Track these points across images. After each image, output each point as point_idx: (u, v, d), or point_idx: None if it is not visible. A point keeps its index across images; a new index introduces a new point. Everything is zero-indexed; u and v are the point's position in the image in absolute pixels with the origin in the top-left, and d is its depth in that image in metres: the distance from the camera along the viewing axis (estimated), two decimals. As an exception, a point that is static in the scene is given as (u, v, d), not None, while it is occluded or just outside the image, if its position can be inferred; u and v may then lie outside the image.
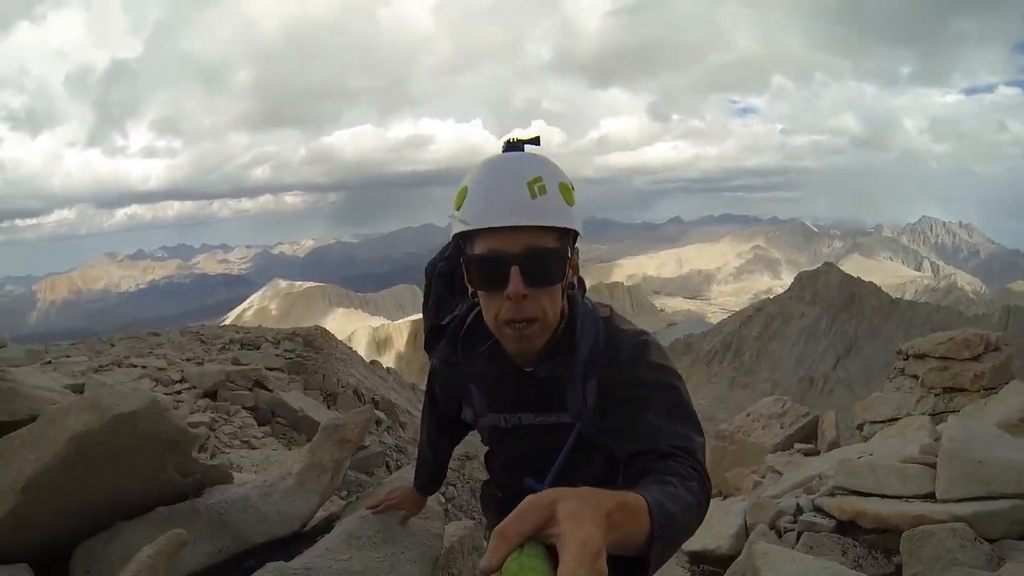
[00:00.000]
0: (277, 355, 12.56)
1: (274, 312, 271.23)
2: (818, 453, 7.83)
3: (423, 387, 1.44)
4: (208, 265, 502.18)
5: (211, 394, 8.74)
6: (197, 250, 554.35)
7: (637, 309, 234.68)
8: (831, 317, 68.20)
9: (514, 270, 1.02)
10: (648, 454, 1.01)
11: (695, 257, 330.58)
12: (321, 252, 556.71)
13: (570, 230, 1.09)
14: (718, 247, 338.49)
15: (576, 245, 1.15)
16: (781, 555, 2.19)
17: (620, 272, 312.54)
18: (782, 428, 9.23)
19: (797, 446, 8.29)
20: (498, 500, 1.59)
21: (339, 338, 19.39)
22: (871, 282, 72.85)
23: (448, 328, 1.34)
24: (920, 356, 7.94)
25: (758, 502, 3.78)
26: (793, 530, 3.11)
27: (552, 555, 0.59)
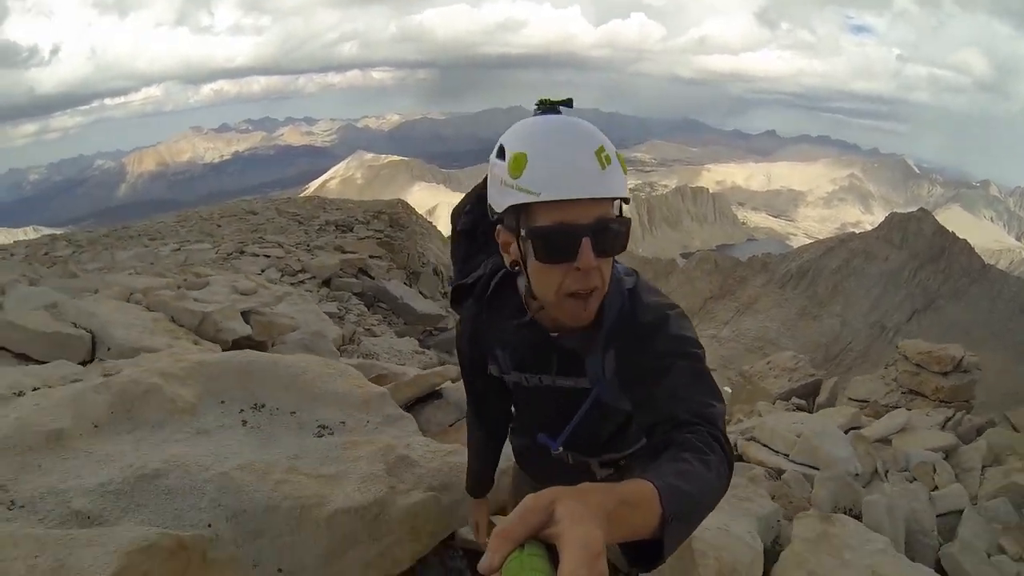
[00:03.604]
0: (368, 236, 13.19)
1: (359, 182, 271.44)
2: (808, 410, 8.84)
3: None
4: (292, 137, 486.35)
5: (326, 282, 9.53)
6: (281, 123, 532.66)
7: (719, 218, 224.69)
8: (916, 267, 64.25)
9: (585, 241, 1.01)
10: (666, 423, 1.01)
11: (786, 175, 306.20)
12: (407, 127, 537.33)
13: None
14: (811, 169, 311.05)
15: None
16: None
17: (708, 177, 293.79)
18: (789, 381, 10.46)
19: (794, 400, 9.58)
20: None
21: (420, 212, 19.50)
22: (965, 240, 67.50)
23: (474, 288, 1.36)
24: (905, 357, 9.08)
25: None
26: (711, 455, 5.58)
27: (553, 555, 0.61)
